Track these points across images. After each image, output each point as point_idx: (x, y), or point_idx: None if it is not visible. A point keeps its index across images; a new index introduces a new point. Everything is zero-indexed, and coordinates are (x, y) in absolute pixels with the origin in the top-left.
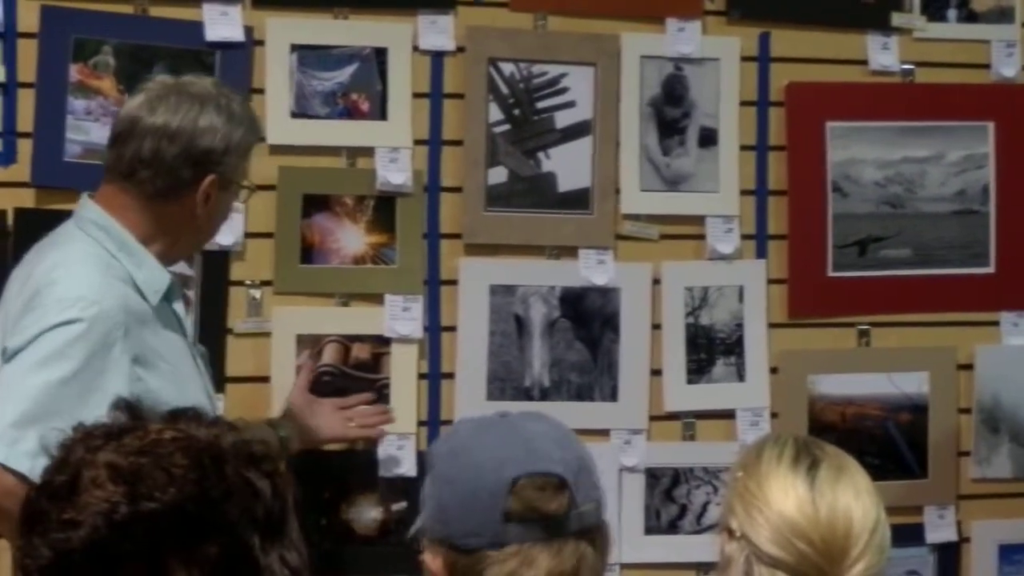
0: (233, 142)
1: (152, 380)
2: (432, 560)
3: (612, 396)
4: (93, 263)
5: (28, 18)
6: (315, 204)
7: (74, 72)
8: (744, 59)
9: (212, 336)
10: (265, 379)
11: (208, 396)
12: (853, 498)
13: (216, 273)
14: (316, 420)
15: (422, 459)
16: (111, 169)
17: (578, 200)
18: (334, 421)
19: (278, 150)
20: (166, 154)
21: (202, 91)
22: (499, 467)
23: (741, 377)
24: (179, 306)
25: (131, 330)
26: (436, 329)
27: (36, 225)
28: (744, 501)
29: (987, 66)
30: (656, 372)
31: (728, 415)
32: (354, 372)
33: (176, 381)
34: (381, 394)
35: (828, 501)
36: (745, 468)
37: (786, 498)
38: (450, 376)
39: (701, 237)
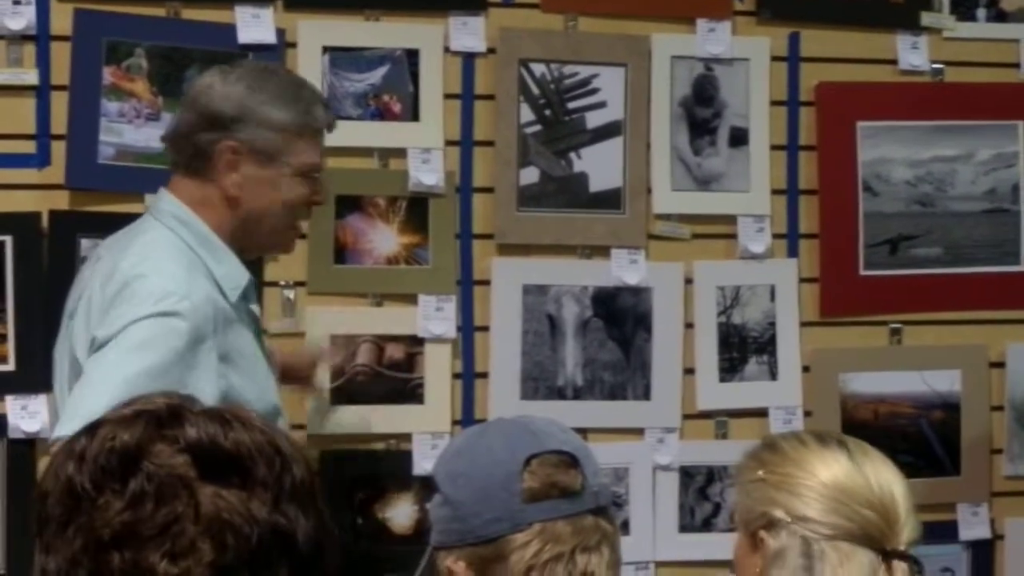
0: (249, 109)
1: (235, 378)
2: (455, 564)
3: (645, 395)
4: (177, 257)
5: (61, 21)
6: (348, 205)
7: (107, 75)
8: (774, 59)
9: None
10: None
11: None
12: (886, 467)
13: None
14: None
15: None
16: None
17: (610, 200)
18: None
19: None
20: (183, 123)
21: (234, 64)
22: (510, 450)
23: (773, 376)
24: (255, 306)
25: (218, 327)
26: (469, 329)
27: (70, 227)
28: (786, 487)
29: (1016, 65)
30: (689, 371)
31: (761, 413)
32: (388, 372)
33: (256, 379)
34: (415, 394)
35: (870, 468)
36: (766, 465)
37: (832, 469)
38: (484, 376)
39: (733, 236)
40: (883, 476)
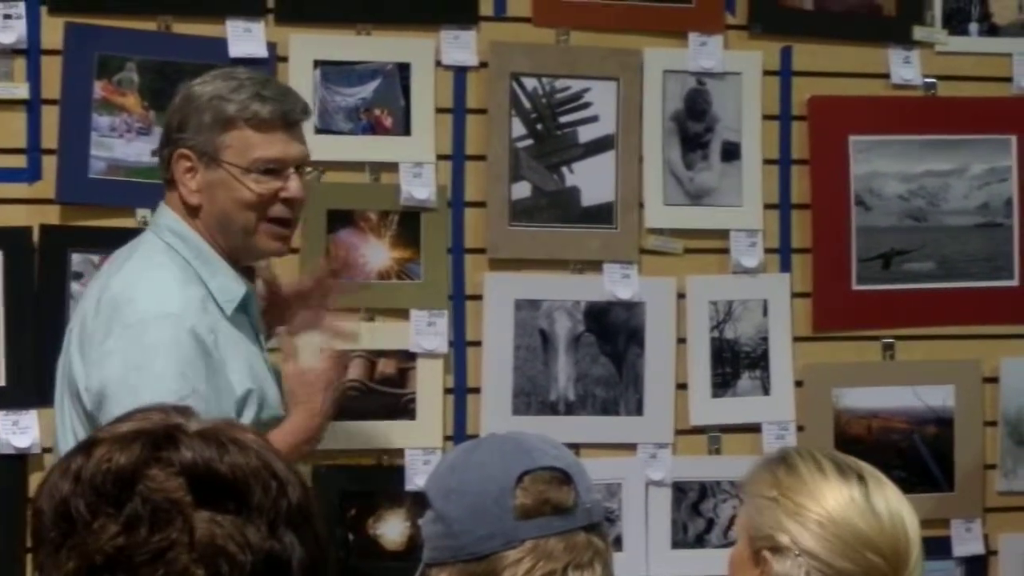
0: (186, 114)
1: (233, 376)
2: None
3: (638, 410)
4: (169, 272)
5: (52, 35)
6: (340, 219)
7: (98, 89)
8: (766, 73)
9: None
10: None
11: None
12: (900, 503)
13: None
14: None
15: None
16: None
17: (602, 214)
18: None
19: None
20: (160, 139)
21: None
22: (503, 467)
23: (766, 391)
24: (256, 320)
25: (214, 334)
26: (461, 344)
27: (61, 242)
28: (797, 516)
29: (1009, 79)
30: (681, 386)
31: (754, 429)
32: (380, 387)
33: (255, 379)
34: (407, 409)
35: (886, 508)
36: (779, 486)
37: (847, 510)
38: (476, 391)
39: (725, 251)
40: (897, 519)
